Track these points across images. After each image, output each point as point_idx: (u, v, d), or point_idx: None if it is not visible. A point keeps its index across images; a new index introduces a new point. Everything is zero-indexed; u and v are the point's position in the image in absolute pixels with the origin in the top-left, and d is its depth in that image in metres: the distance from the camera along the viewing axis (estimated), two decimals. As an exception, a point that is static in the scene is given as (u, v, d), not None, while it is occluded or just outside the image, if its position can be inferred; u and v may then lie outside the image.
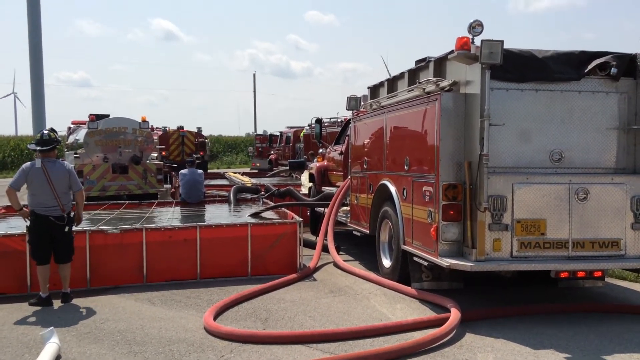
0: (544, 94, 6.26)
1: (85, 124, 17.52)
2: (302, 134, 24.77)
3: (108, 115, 17.78)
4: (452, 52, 6.27)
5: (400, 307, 6.63)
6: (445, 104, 6.30)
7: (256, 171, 24.95)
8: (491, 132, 5.98)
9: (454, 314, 5.80)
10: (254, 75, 61.33)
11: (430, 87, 6.76)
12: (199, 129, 29.11)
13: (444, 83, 6.57)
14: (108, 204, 12.15)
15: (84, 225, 7.85)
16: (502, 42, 5.86)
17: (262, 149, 32.99)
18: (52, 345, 4.90)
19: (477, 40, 5.96)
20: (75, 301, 6.91)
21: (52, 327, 5.17)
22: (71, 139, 20.71)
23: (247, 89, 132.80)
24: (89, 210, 11.24)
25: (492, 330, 5.78)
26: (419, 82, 7.02)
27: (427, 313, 6.37)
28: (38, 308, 6.62)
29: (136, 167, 16.64)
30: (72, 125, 22.70)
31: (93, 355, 5.06)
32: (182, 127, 27.91)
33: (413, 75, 7.68)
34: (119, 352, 5.16)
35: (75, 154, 17.45)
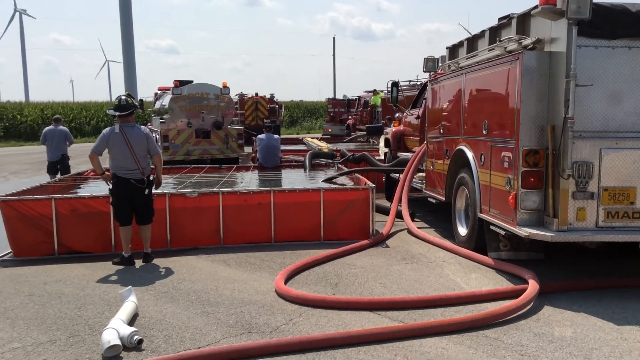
0: (637, 51, 5.71)
1: (170, 90, 18.07)
2: (374, 100, 24.43)
3: (192, 81, 18.25)
4: (536, 7, 5.83)
5: (475, 276, 6.41)
6: (527, 63, 5.90)
7: (329, 137, 24.87)
8: (577, 93, 5.55)
9: (532, 286, 5.53)
10: (334, 38, 61.29)
11: (512, 46, 6.35)
12: (272, 96, 30.07)
13: (527, 41, 6.14)
14: (190, 167, 12.53)
15: (164, 188, 8.12)
16: (592, -6, 5.38)
17: (334, 113, 32.86)
18: (130, 304, 5.11)
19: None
20: (155, 261, 7.20)
21: (130, 287, 5.39)
22: (158, 104, 21.49)
23: (327, 53, 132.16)
24: (172, 174, 11.67)
25: (572, 304, 5.47)
26: (500, 41, 6.61)
27: (503, 284, 6.12)
28: (120, 267, 6.95)
29: (218, 132, 17.04)
30: (158, 91, 23.54)
31: (169, 315, 5.25)
32: (257, 94, 29.24)
33: (494, 33, 7.24)
34: (193, 312, 5.32)
35: (161, 119, 18.09)
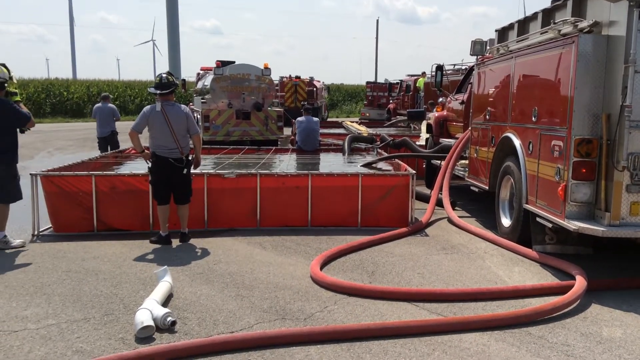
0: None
1: (212, 70, 18.07)
2: (419, 82, 23.97)
3: (233, 62, 18.20)
4: (595, -13, 5.48)
5: (519, 270, 6.17)
6: (583, 47, 5.56)
7: (367, 121, 24.70)
8: (636, 80, 5.21)
9: (579, 282, 5.26)
10: (377, 21, 60.16)
11: (567, 29, 6.00)
12: (311, 78, 30.87)
13: (583, 24, 5.79)
14: (229, 148, 12.52)
15: (203, 169, 8.08)
16: (657, -26, 5.01)
17: (373, 97, 32.49)
18: (165, 284, 5.08)
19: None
20: (192, 241, 7.18)
21: (165, 267, 5.36)
22: (200, 84, 21.58)
23: (370, 36, 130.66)
24: (213, 154, 11.69)
25: (622, 303, 5.19)
26: (554, 23, 6.26)
27: (548, 279, 5.86)
28: (157, 246, 6.96)
29: (258, 114, 16.99)
30: (200, 72, 23.63)
31: (203, 297, 5.20)
32: (297, 77, 30.03)
33: (548, 15, 6.88)
34: (227, 294, 5.26)
35: (203, 99, 18.15)
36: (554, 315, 4.81)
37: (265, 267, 6.12)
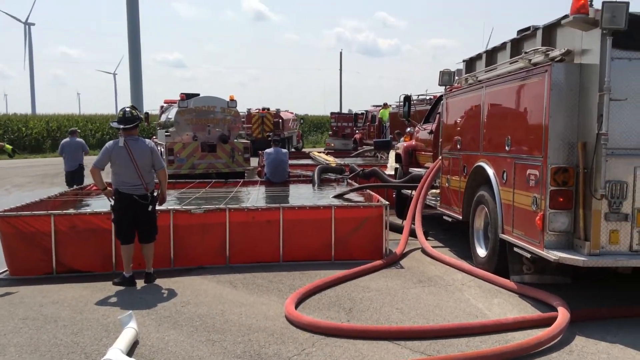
0: (675, 64, 5.35)
1: (176, 103, 17.80)
2: (382, 113, 24.21)
3: (198, 94, 17.97)
4: (566, 16, 5.50)
5: (498, 302, 6.01)
6: (556, 76, 5.54)
7: (332, 151, 24.86)
8: (612, 108, 5.19)
9: (562, 314, 5.13)
10: (340, 53, 61.01)
11: (538, 58, 6.00)
12: (277, 110, 31.15)
13: (555, 52, 5.80)
14: (195, 182, 12.20)
15: (168, 204, 7.77)
16: (627, 3, 5.07)
17: (337, 127, 32.70)
18: (129, 331, 4.74)
19: (596, 3, 5.18)
20: (158, 281, 6.83)
21: (130, 312, 5.02)
22: (163, 117, 21.23)
23: (333, 67, 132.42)
24: (177, 189, 11.34)
25: (606, 334, 5.07)
26: (525, 52, 6.26)
27: (528, 310, 5.73)
28: (121, 288, 6.58)
29: (224, 146, 16.75)
30: (164, 104, 23.29)
31: (171, 342, 4.87)
32: (265, 109, 30.57)
33: (516, 45, 6.92)
34: (197, 339, 4.94)
35: (167, 132, 17.81)
36: (540, 349, 4.65)
37: (237, 308, 5.82)
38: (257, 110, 30.76)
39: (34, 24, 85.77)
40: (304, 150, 31.62)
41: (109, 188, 6.83)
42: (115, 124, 6.88)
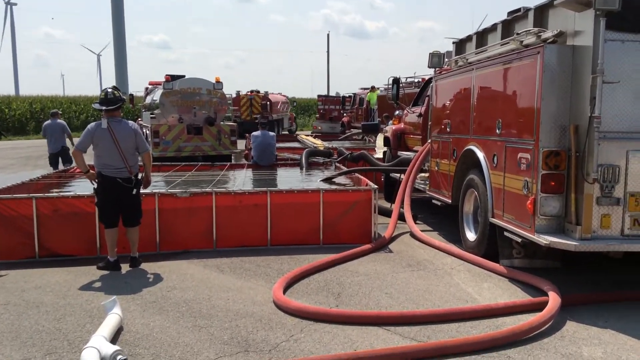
0: (669, 46, 5.27)
1: (161, 84, 17.52)
2: (369, 96, 24.08)
3: (183, 76, 17.68)
4: (558, -4, 5.39)
5: (488, 286, 5.97)
6: (548, 57, 5.44)
7: (320, 134, 24.79)
8: (604, 91, 5.11)
9: (553, 299, 5.10)
10: (328, 35, 60.37)
11: (530, 39, 5.90)
12: (266, 93, 31.04)
13: (547, 34, 5.70)
14: (181, 165, 12.02)
15: (153, 188, 7.62)
16: (621, -16, 4.95)
17: (325, 110, 32.56)
18: (113, 317, 4.63)
19: (590, -17, 5.07)
20: (143, 266, 6.72)
21: (114, 297, 4.91)
22: (148, 99, 20.92)
23: (320, 50, 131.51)
24: (164, 172, 11.17)
25: (597, 319, 5.04)
26: (517, 34, 6.15)
27: (517, 294, 5.69)
28: (106, 272, 6.45)
29: (210, 129, 16.54)
30: (149, 86, 22.93)
31: (156, 329, 4.76)
32: (253, 91, 30.68)
33: (507, 27, 6.81)
34: (183, 325, 4.84)
35: (152, 114, 17.54)
36: (531, 335, 4.61)
37: (224, 293, 5.72)
38: (247, 93, 30.72)
39: (15, 4, 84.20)
40: (297, 133, 31.47)
41: (91, 171, 6.67)
42: (97, 106, 6.68)
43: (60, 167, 13.13)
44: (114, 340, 4.46)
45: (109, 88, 6.76)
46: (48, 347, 4.38)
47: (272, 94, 32.46)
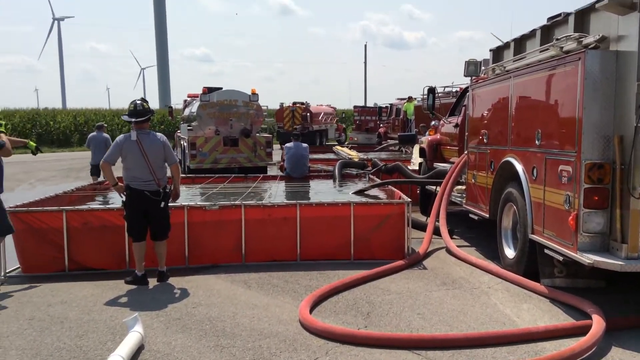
0: None
1: (199, 97, 17.67)
2: (406, 107, 23.75)
3: (221, 88, 17.78)
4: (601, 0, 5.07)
5: (527, 307, 5.63)
6: (590, 64, 5.12)
7: (356, 145, 24.69)
8: (652, 99, 4.76)
9: (597, 322, 4.74)
10: (365, 46, 60.51)
11: (571, 45, 5.58)
12: (307, 103, 31.81)
13: (589, 39, 5.37)
14: (214, 177, 11.99)
15: (184, 200, 7.55)
16: (670, -16, 4.61)
17: (361, 121, 32.31)
18: (134, 335, 4.51)
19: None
20: (171, 280, 6.63)
21: (136, 314, 4.79)
22: (186, 111, 21.16)
23: (358, 60, 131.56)
24: (197, 184, 11.16)
25: (646, 345, 4.67)
26: (557, 39, 5.84)
27: (559, 316, 5.34)
28: (133, 287, 6.38)
29: (246, 140, 16.59)
30: (187, 98, 23.23)
31: (177, 348, 4.63)
32: (297, 103, 31.80)
33: (546, 33, 6.49)
34: (205, 344, 4.69)
35: (189, 126, 17.70)
36: (573, 362, 4.28)
37: (250, 310, 5.55)
38: (289, 105, 31.70)
39: (62, 19, 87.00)
40: (346, 143, 31.44)
41: (120, 183, 6.63)
42: (126, 117, 6.66)
43: (101, 178, 13.33)
44: (133, 359, 4.35)
45: (138, 100, 6.73)
46: (67, 366, 4.29)
47: (315, 105, 33.08)
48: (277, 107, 32.54)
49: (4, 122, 6.69)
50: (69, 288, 6.36)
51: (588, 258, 5.02)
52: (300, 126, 29.66)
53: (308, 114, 31.32)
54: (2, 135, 6.51)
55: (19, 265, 7.10)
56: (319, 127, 32.24)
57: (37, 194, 12.11)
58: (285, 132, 29.90)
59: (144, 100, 6.74)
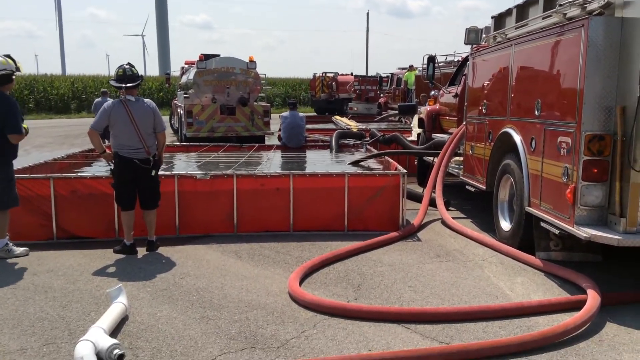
0: None
1: (195, 64, 17.35)
2: (406, 76, 23.39)
3: (218, 55, 17.46)
4: (607, -38, 4.83)
5: (521, 280, 5.53)
6: (594, 31, 4.91)
7: (356, 115, 24.59)
8: (657, 68, 4.56)
9: (592, 298, 4.63)
10: (367, 14, 59.50)
11: (574, 11, 5.35)
12: (335, 74, 34.92)
13: (593, 5, 5.14)
14: (209, 145, 11.82)
15: (174, 169, 7.40)
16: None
17: (361, 91, 31.95)
18: (117, 306, 4.41)
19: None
20: (161, 250, 6.52)
21: (120, 285, 4.68)
22: (184, 79, 20.89)
23: (360, 29, 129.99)
24: (191, 152, 11.00)
25: (641, 321, 4.57)
26: (560, 5, 5.60)
27: (553, 291, 5.24)
28: (121, 256, 6.27)
29: (243, 109, 16.34)
30: (185, 66, 22.89)
31: (162, 319, 4.53)
32: (324, 73, 35.44)
33: (550, -1, 6.24)
34: (191, 316, 4.59)
35: (185, 94, 17.44)
36: (566, 338, 4.18)
37: (238, 282, 5.45)
38: (320, 75, 35.18)
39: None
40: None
41: (107, 151, 6.46)
42: (114, 83, 6.45)
43: (107, 142, 13.24)
44: (116, 330, 4.26)
45: (126, 65, 6.50)
46: (47, 337, 4.19)
47: (341, 74, 35.08)
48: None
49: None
50: (56, 257, 6.25)
51: (585, 232, 4.89)
52: (328, 94, 33.58)
53: (334, 82, 33.54)
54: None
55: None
56: (345, 96, 33.34)
57: (30, 161, 11.96)
58: (316, 99, 35.15)
59: (131, 65, 6.52)
